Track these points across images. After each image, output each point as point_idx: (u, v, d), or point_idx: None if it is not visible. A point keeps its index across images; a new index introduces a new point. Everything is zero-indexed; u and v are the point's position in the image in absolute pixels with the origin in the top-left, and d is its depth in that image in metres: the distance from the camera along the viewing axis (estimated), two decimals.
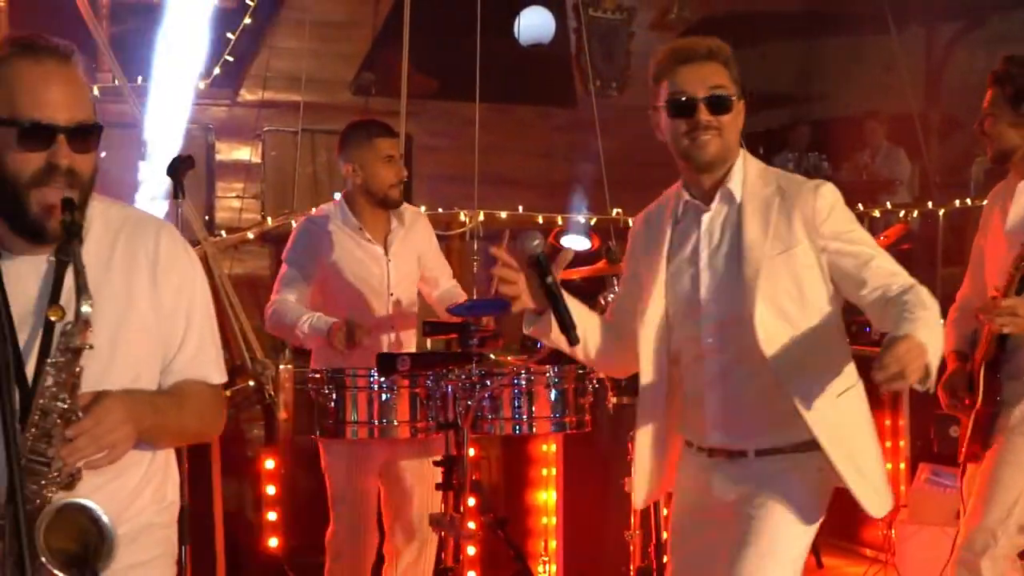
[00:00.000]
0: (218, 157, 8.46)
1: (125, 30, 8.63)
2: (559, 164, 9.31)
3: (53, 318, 2.64)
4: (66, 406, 2.61)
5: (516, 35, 9.90)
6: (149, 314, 2.88)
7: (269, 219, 8.13)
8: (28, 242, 2.75)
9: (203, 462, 5.72)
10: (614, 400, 5.24)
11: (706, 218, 3.55)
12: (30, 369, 2.66)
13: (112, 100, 8.07)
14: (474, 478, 4.98)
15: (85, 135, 2.70)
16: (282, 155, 8.72)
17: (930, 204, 9.87)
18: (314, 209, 5.68)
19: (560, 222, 8.65)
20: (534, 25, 10.46)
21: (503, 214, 8.51)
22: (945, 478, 6.67)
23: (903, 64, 11.71)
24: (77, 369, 2.63)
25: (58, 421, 2.60)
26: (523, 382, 5.01)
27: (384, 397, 4.92)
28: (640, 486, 3.74)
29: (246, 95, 8.55)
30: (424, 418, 4.93)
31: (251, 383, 6.83)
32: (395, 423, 4.95)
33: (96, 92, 8.05)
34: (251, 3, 8.39)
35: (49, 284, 2.71)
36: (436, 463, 4.95)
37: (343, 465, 5.25)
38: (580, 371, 5.13)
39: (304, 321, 5.10)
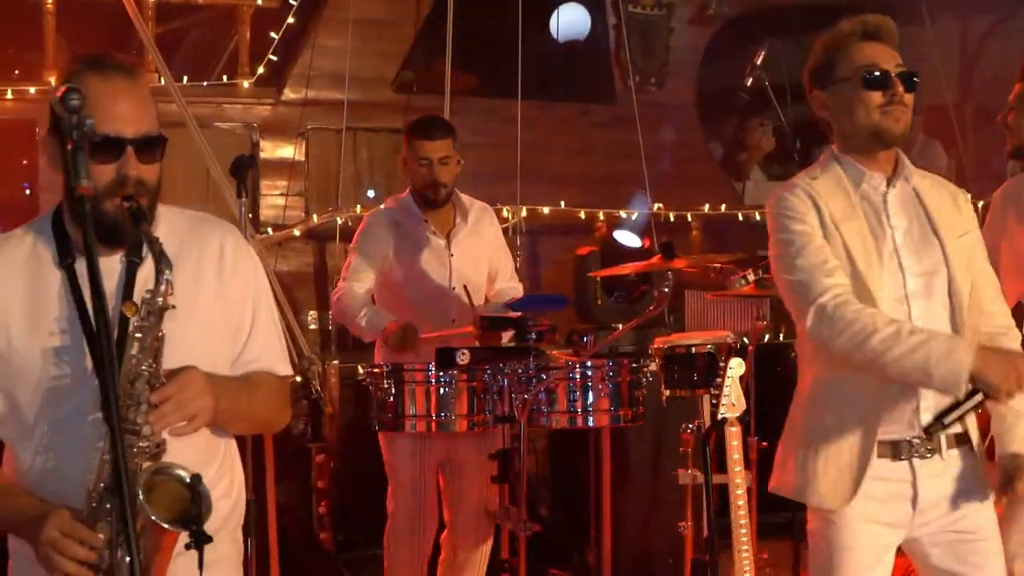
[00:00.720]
0: (262, 155, 8.52)
1: (169, 30, 8.71)
2: (599, 160, 9.34)
3: (128, 313, 2.83)
4: (150, 371, 2.77)
5: (553, 32, 9.94)
6: (216, 311, 3.04)
7: (315, 216, 8.20)
8: (103, 246, 2.86)
9: (256, 456, 5.80)
10: (667, 393, 5.28)
11: (892, 194, 3.57)
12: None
13: (159, 100, 8.17)
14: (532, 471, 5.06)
15: (151, 146, 2.88)
16: (325, 153, 8.78)
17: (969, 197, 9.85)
18: (383, 202, 5.76)
19: (602, 217, 8.69)
20: (571, 22, 10.51)
21: (546, 210, 8.56)
22: None
23: (937, 56, 11.73)
24: (160, 334, 2.80)
25: (145, 387, 2.76)
26: (578, 376, 5.08)
27: (442, 391, 5.00)
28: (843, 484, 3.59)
29: (289, 94, 8.61)
30: (481, 411, 5.01)
31: (298, 379, 6.90)
32: (453, 417, 5.03)
33: None
34: (294, 2, 8.44)
35: (122, 283, 2.90)
36: (491, 456, 5.03)
37: (406, 457, 5.35)
38: (634, 364, 5.20)
39: (363, 315, 5.19)
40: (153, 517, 2.69)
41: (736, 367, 5.06)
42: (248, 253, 3.15)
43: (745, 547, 5.10)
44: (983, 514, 3.59)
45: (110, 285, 2.90)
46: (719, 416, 5.05)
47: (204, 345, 3.01)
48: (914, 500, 3.53)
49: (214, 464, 3.08)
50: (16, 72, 8.34)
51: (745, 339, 5.38)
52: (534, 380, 4.95)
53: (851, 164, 3.57)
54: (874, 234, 3.51)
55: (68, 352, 2.90)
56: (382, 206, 5.71)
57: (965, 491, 3.55)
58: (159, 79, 8.16)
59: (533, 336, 4.89)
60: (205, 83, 8.49)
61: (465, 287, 5.38)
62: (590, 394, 5.11)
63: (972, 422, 3.56)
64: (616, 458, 6.05)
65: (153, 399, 2.75)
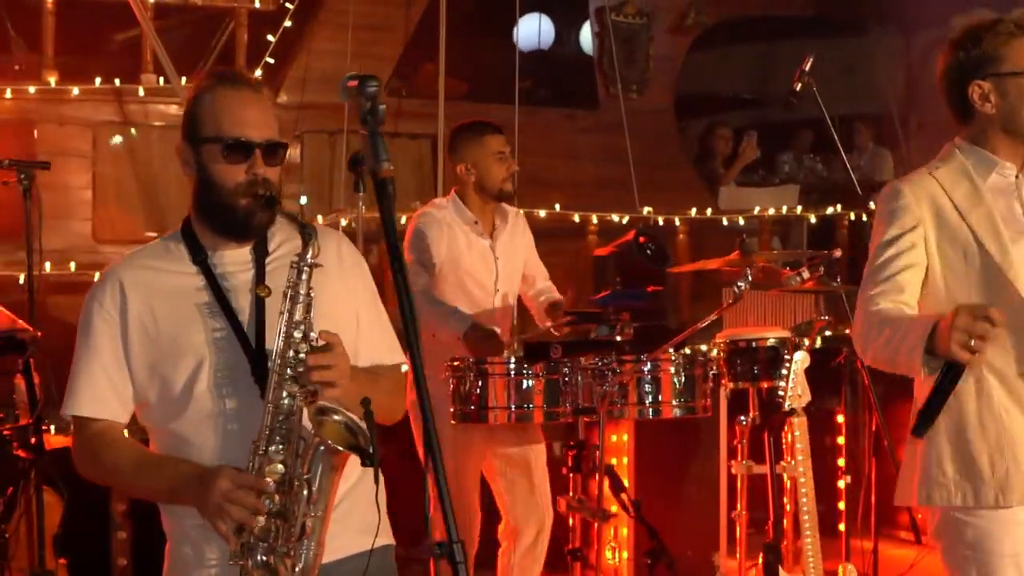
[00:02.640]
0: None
1: (166, 28, 8.71)
2: (584, 165, 9.53)
3: (262, 294, 3.14)
4: (305, 324, 3.01)
5: (517, 41, 10.14)
6: (337, 309, 3.23)
7: (320, 217, 8.25)
8: (233, 242, 3.18)
9: None
10: (730, 386, 5.47)
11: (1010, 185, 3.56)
12: (250, 334, 3.12)
13: (160, 100, 8.21)
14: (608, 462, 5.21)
15: (275, 150, 3.13)
16: (320, 156, 8.85)
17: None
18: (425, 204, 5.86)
19: (595, 221, 8.87)
20: (535, 31, 10.72)
21: (542, 213, 8.70)
22: None
23: (883, 67, 12.12)
24: (310, 289, 3.03)
25: (301, 340, 3.00)
26: (651, 368, 5.25)
27: (524, 384, 5.12)
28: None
29: (285, 96, 8.67)
30: (563, 403, 5.14)
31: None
32: (534, 408, 5.16)
33: (142, 92, 8.23)
34: (291, 6, 8.51)
35: (254, 272, 3.18)
36: (567, 447, 5.17)
37: (447, 452, 5.42)
38: (701, 358, 5.38)
39: (451, 311, 5.31)
40: (327, 442, 2.92)
41: (801, 359, 5.28)
42: (359, 256, 3.40)
43: (810, 534, 5.32)
44: None
45: (244, 276, 3.18)
46: (787, 407, 5.27)
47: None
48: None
49: None
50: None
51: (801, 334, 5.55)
52: (609, 373, 5.10)
53: (980, 154, 3.56)
54: (1005, 219, 3.50)
55: (211, 334, 3.12)
56: (427, 208, 5.80)
57: None
58: (157, 80, 8.21)
59: (616, 329, 5.05)
60: None
61: (508, 294, 5.57)
62: (662, 386, 5.27)
63: None
64: (672, 450, 6.22)
65: (311, 361, 2.97)
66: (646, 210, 8.98)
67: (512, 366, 5.12)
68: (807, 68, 5.71)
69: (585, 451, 5.21)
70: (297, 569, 2.94)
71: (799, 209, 9.62)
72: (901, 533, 7.38)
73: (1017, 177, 3.57)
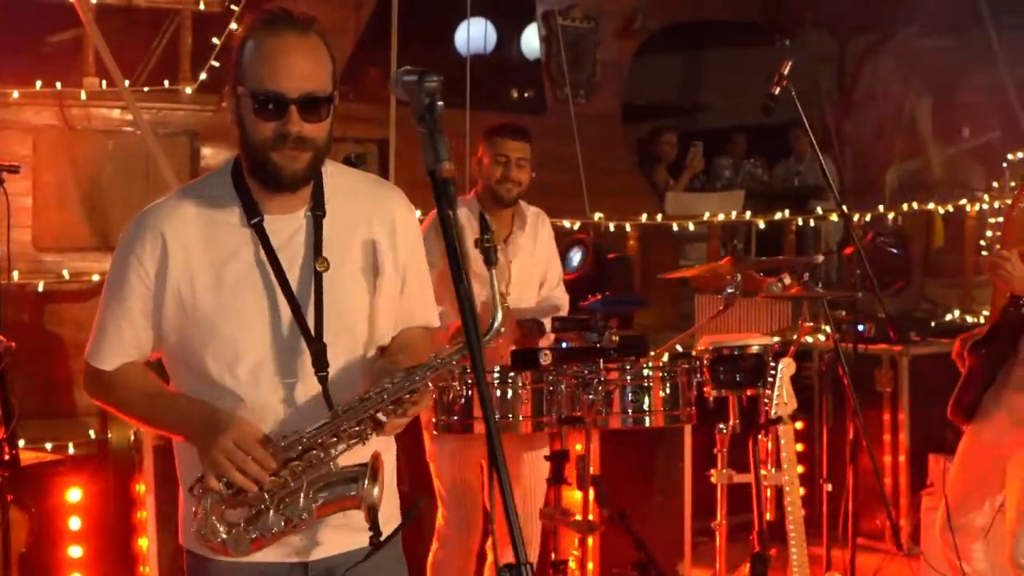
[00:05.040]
0: (203, 163, 8.35)
1: (108, 30, 8.49)
2: (533, 170, 9.41)
3: (320, 269, 2.98)
4: (413, 382, 2.91)
5: (458, 46, 10.07)
6: (388, 264, 3.12)
7: None
8: (280, 199, 2.99)
9: None
10: (714, 393, 5.40)
11: None
12: (310, 318, 2.98)
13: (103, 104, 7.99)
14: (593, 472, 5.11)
15: (315, 106, 2.90)
16: None
17: (881, 208, 10.27)
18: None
19: None
20: (475, 37, 10.62)
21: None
22: None
23: (819, 75, 12.19)
24: (452, 364, 2.97)
25: (405, 392, 2.89)
26: (638, 377, 5.16)
27: (509, 393, 5.01)
28: None
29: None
30: (548, 413, 5.03)
31: None
32: (519, 418, 5.04)
33: (84, 95, 8.00)
34: (236, 8, 8.32)
35: (311, 238, 3.01)
36: (547, 457, 5.07)
37: (447, 458, 5.34)
38: (686, 366, 5.30)
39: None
40: (371, 502, 2.87)
41: (786, 367, 5.23)
42: (414, 214, 3.25)
43: (795, 544, 5.26)
44: None
45: (299, 243, 3.00)
46: (773, 415, 5.21)
47: (370, 296, 3.10)
48: None
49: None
50: None
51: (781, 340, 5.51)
52: (595, 381, 5.01)
53: None
54: None
55: (253, 309, 2.98)
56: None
57: None
58: (101, 83, 8.00)
59: (605, 337, 4.95)
60: (146, 88, 8.30)
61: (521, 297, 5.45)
62: (649, 395, 5.18)
63: None
64: (649, 460, 6.15)
65: (408, 401, 2.90)
66: (597, 216, 8.89)
67: (496, 375, 5.00)
68: (785, 71, 5.66)
69: (567, 461, 5.10)
70: (253, 536, 2.90)
71: (748, 214, 9.61)
72: (862, 540, 7.35)
73: None
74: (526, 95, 10.00)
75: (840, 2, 11.35)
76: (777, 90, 5.68)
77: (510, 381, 4.99)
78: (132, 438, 6.03)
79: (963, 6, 11.42)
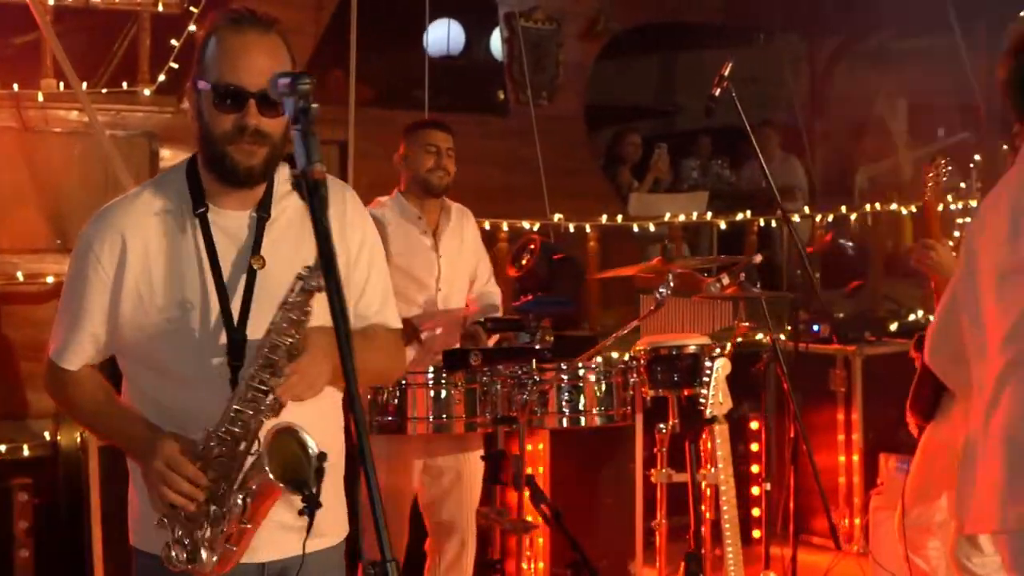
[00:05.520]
0: (161, 164, 8.36)
1: (66, 32, 8.50)
2: (494, 171, 9.45)
3: (256, 266, 3.05)
4: (293, 342, 2.91)
5: (426, 47, 10.08)
6: (340, 264, 3.05)
7: None
8: (234, 195, 3.08)
9: None
10: (650, 393, 5.42)
11: None
12: (235, 307, 3.04)
13: (60, 106, 8.00)
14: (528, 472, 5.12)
15: (274, 101, 2.90)
16: None
17: (845, 209, 10.29)
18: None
19: (505, 228, 8.78)
20: (443, 38, 10.65)
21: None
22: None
23: (790, 76, 12.22)
24: (308, 309, 2.91)
25: (284, 356, 2.90)
26: (573, 376, 5.18)
27: (443, 394, 5.03)
28: None
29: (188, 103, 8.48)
30: (482, 413, 5.06)
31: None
32: (453, 418, 5.07)
33: (41, 97, 8.01)
34: (195, 10, 8.33)
35: (251, 237, 3.08)
36: (483, 458, 5.09)
37: (380, 466, 5.33)
38: (621, 366, 5.33)
39: None
40: (271, 478, 2.84)
41: (722, 366, 5.25)
42: (365, 211, 3.29)
43: (731, 542, 5.29)
44: None
45: (242, 240, 3.07)
46: (708, 414, 5.24)
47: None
48: None
49: (321, 419, 3.16)
50: None
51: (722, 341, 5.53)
52: (529, 382, 5.04)
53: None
54: None
55: (199, 299, 3.04)
56: (369, 208, 5.70)
57: None
58: (59, 85, 8.01)
59: (537, 337, 4.98)
60: (104, 90, 8.31)
61: (454, 294, 5.47)
62: (583, 395, 5.21)
63: None
64: (590, 459, 6.17)
65: (286, 371, 2.90)
66: (556, 217, 8.91)
67: (430, 376, 5.02)
68: (726, 73, 5.69)
69: (503, 461, 5.12)
70: (214, 559, 2.93)
71: (709, 215, 9.62)
72: (813, 539, 7.39)
73: None
74: (489, 96, 9.99)
75: (810, 4, 11.37)
76: (717, 91, 5.71)
77: (443, 382, 5.01)
78: (79, 439, 6.05)
79: (934, 10, 11.46)
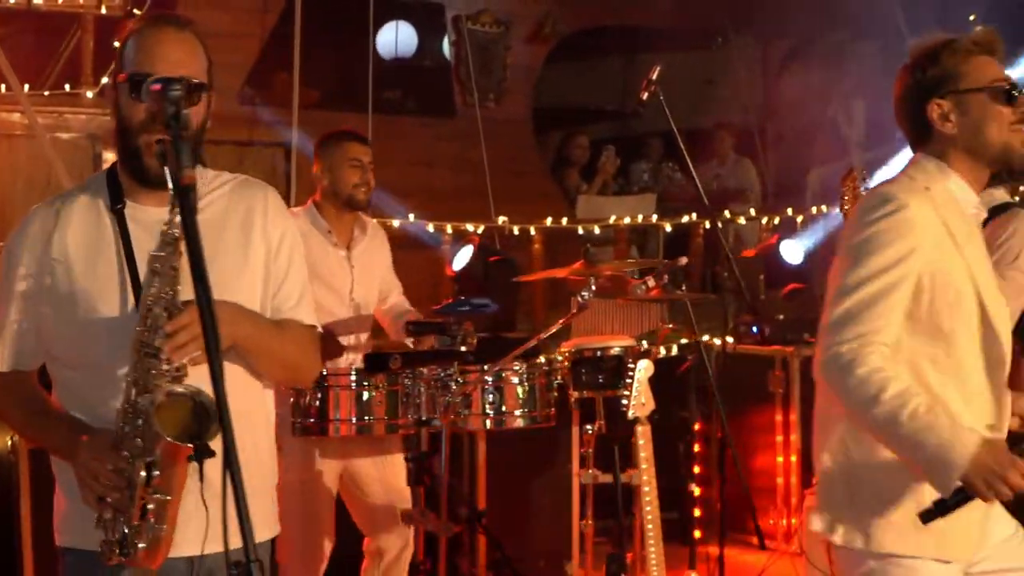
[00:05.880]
0: (105, 166, 8.35)
1: (8, 34, 8.50)
2: (442, 173, 9.50)
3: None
4: (168, 298, 2.92)
5: (380, 49, 10.13)
6: (261, 258, 3.24)
7: None
8: (153, 194, 3.09)
9: None
10: (575, 395, 5.45)
11: (976, 218, 3.40)
12: None
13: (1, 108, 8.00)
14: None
15: (189, 90, 2.95)
16: None
17: (791, 212, 10.34)
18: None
19: (449, 231, 8.83)
20: (397, 40, 10.68)
21: (396, 222, 8.64)
22: None
23: (742, 78, 12.26)
24: (175, 265, 2.93)
25: (163, 313, 2.91)
26: (495, 378, 5.22)
27: (365, 396, 5.05)
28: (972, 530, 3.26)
29: None
30: (404, 415, 5.08)
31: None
32: (375, 420, 5.09)
33: None
34: (139, 12, 8.34)
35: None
36: (407, 459, 5.11)
37: (296, 467, 5.36)
38: (545, 367, 5.36)
39: None
40: (157, 430, 2.83)
41: (645, 368, 5.27)
42: (286, 210, 3.36)
43: (654, 543, 5.31)
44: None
45: (158, 231, 3.02)
46: (630, 416, 5.25)
47: (250, 293, 3.20)
48: (979, 539, 3.30)
49: (233, 393, 3.15)
50: None
51: (647, 343, 5.57)
52: (452, 384, 5.06)
53: (957, 179, 3.35)
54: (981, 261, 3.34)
55: (116, 291, 3.08)
56: None
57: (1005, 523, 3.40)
58: (1, 87, 8.01)
59: (458, 340, 5.01)
60: (47, 92, 8.32)
61: (364, 304, 5.51)
62: (506, 396, 5.24)
63: None
64: (519, 460, 6.20)
65: (167, 328, 2.89)
66: (501, 219, 8.95)
67: (353, 378, 5.05)
68: (654, 77, 5.73)
69: (427, 463, 5.15)
70: (144, 544, 2.91)
71: (654, 218, 9.67)
72: (752, 539, 7.43)
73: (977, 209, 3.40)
74: (437, 99, 10.03)
75: (762, 7, 11.41)
76: (645, 95, 5.74)
77: (366, 384, 5.03)
78: (10, 443, 6.04)
79: (886, 14, 11.53)
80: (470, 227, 8.82)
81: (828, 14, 11.35)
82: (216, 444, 2.75)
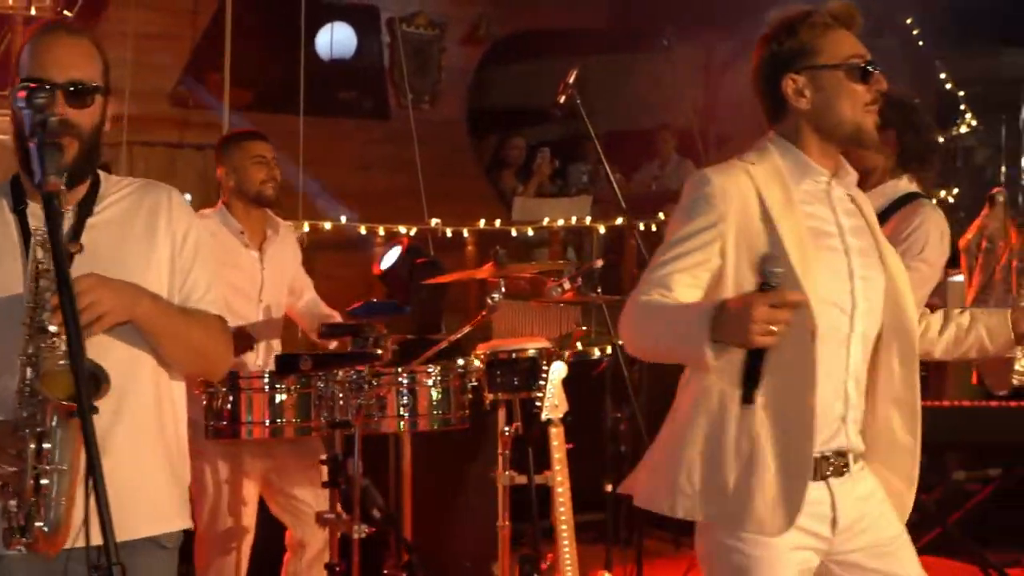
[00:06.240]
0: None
1: None
2: (377, 175, 9.51)
3: (72, 250, 3.09)
4: (46, 268, 2.96)
5: (321, 50, 10.14)
6: (167, 254, 3.28)
7: None
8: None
9: None
10: (490, 397, 5.47)
11: (837, 192, 3.36)
12: None
13: None
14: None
15: (81, 93, 3.08)
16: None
17: None
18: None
19: (382, 232, 8.84)
20: (338, 40, 10.68)
21: (327, 225, 8.66)
22: None
23: (685, 81, 12.33)
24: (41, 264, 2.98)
25: (50, 286, 2.94)
26: (409, 381, 5.24)
27: (278, 398, 5.06)
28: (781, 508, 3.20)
29: None
30: (317, 417, 5.10)
31: None
32: (288, 422, 5.10)
33: None
34: (69, 14, 8.32)
35: (70, 230, 3.14)
36: (322, 461, 5.12)
37: (215, 469, 5.37)
38: (460, 370, 5.39)
39: None
40: (43, 395, 2.87)
41: (558, 370, 5.31)
42: (189, 208, 3.39)
43: (567, 543, 5.34)
44: (892, 523, 3.41)
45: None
46: (543, 417, 5.29)
47: (156, 290, 3.21)
48: (833, 522, 3.27)
49: (136, 383, 3.21)
50: None
51: (562, 345, 5.60)
52: (365, 386, 5.08)
53: (796, 156, 3.31)
54: (816, 232, 3.28)
55: (19, 288, 3.07)
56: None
57: (876, 503, 3.38)
58: None
59: (371, 342, 5.02)
60: None
61: (274, 305, 5.52)
62: (419, 399, 5.26)
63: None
64: (437, 461, 6.22)
65: (53, 301, 2.92)
66: (434, 221, 8.98)
67: (265, 380, 5.06)
68: (571, 81, 5.75)
69: (342, 465, 5.15)
70: (43, 524, 2.90)
71: (588, 219, 9.71)
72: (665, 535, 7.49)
73: (829, 183, 3.35)
74: (371, 100, 10.05)
75: (697, 10, 11.47)
76: (562, 99, 5.77)
77: (277, 387, 5.04)
78: None
79: None
80: (402, 229, 8.84)
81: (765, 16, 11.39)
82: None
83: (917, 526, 6.93)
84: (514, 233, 9.35)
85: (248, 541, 5.50)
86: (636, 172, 12.24)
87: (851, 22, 3.32)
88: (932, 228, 4.63)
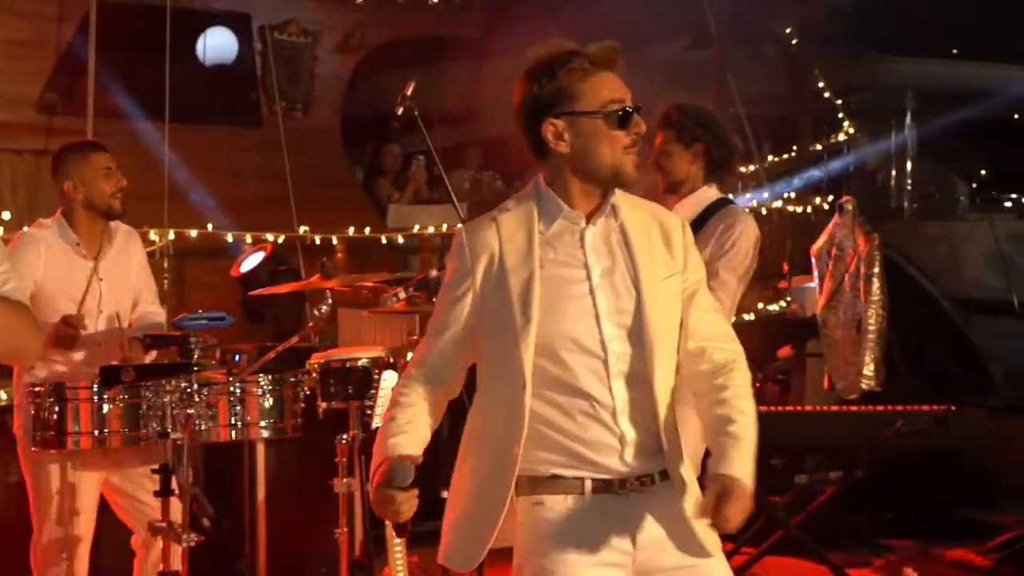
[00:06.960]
0: None
1: None
2: (248, 183, 9.53)
3: None
4: None
5: (200, 56, 10.12)
6: None
7: None
8: None
9: None
10: (324, 405, 5.54)
11: (590, 234, 3.32)
12: None
13: None
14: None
15: None
16: None
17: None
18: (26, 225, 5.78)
19: (249, 240, 8.86)
20: (218, 46, 10.67)
21: (193, 233, 8.66)
22: None
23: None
24: None
25: None
26: (239, 390, 5.30)
27: (105, 408, 5.10)
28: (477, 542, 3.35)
29: None
30: (145, 427, 5.13)
31: None
32: (116, 433, 5.14)
33: None
34: None
35: None
36: (154, 471, 5.16)
37: (56, 476, 5.38)
38: (292, 379, 5.45)
39: None
40: None
41: (389, 379, 5.39)
42: None
43: (399, 550, 5.42)
44: (700, 540, 3.37)
45: None
46: (374, 425, 5.37)
47: None
48: (633, 537, 3.30)
49: None
50: None
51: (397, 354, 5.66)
52: (196, 396, 5.12)
53: (550, 199, 3.32)
54: (561, 279, 3.29)
55: None
56: (28, 228, 5.72)
57: (680, 521, 3.36)
58: None
59: (197, 353, 5.05)
60: None
61: (118, 315, 5.53)
62: (250, 408, 5.32)
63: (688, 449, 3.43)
64: (276, 469, 6.26)
65: None
66: (302, 229, 9.01)
67: (94, 390, 5.09)
68: (408, 92, 5.81)
69: (171, 474, 5.18)
70: None
71: (459, 226, 9.75)
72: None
73: (592, 223, 3.32)
74: (241, 107, 10.06)
75: (570, 21, 11.58)
76: (400, 111, 5.83)
77: (105, 397, 5.08)
78: None
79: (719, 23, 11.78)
80: (270, 236, 8.87)
81: (663, 23, 11.54)
82: None
83: (765, 527, 7.15)
84: (384, 240, 9.40)
85: (85, 547, 5.51)
86: (517, 179, 12.32)
87: (612, 64, 3.30)
88: (750, 236, 5.02)
